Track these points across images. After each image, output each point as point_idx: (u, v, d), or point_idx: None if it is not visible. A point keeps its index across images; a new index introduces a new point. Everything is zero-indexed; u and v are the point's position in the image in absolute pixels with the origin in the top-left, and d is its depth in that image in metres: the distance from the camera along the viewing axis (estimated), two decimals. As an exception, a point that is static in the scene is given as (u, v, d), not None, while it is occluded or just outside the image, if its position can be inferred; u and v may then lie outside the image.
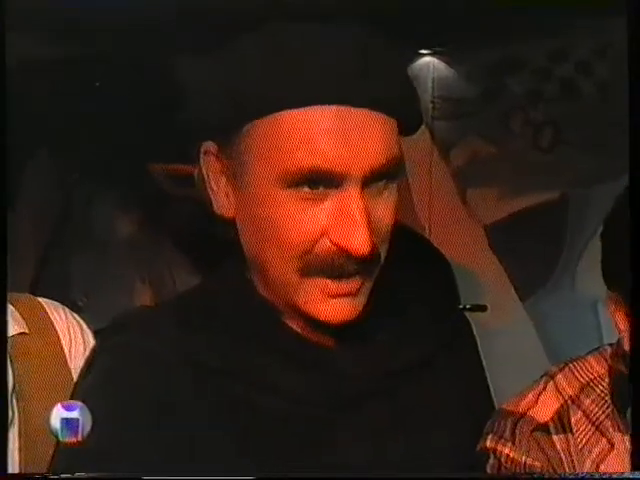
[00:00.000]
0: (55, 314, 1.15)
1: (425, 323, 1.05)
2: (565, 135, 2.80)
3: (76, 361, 1.11)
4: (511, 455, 1.01)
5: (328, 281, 0.88)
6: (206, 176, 0.92)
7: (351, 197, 0.86)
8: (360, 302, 0.91)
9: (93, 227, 2.29)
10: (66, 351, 1.12)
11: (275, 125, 0.86)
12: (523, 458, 1.01)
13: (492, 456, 1.02)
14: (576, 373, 1.04)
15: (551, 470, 0.99)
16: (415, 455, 0.96)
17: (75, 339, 1.14)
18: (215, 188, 0.92)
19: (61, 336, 1.13)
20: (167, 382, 0.90)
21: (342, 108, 0.85)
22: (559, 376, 1.05)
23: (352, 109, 0.85)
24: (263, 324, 0.94)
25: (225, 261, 0.99)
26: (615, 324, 0.99)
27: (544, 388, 1.05)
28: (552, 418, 1.02)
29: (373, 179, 0.87)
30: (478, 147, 2.86)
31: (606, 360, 1.01)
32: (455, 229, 2.79)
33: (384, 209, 0.89)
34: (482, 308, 2.61)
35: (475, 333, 1.14)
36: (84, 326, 1.17)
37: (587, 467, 0.99)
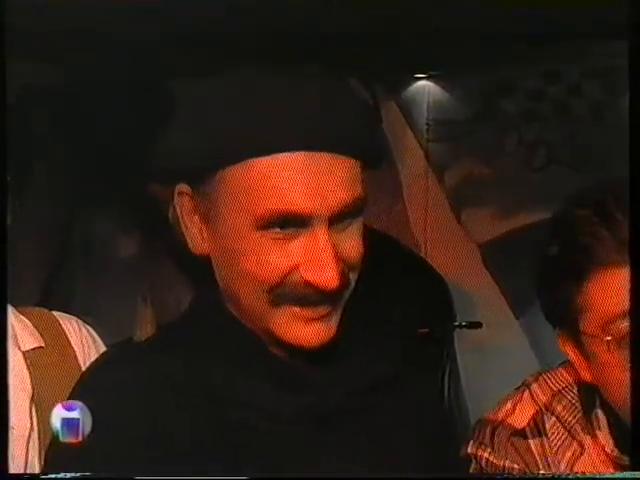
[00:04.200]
0: (69, 326, 1.18)
1: (406, 340, 1.10)
2: (558, 155, 2.85)
3: None
4: (490, 459, 1.06)
5: (297, 308, 0.94)
6: (180, 215, 0.98)
7: (319, 236, 0.91)
8: (332, 325, 0.96)
9: (95, 246, 2.33)
10: (81, 363, 1.16)
11: (246, 172, 0.91)
12: (502, 462, 1.06)
13: (473, 461, 1.08)
14: (549, 382, 1.10)
15: (528, 472, 1.04)
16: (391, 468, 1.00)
17: (89, 351, 1.17)
18: (189, 226, 0.98)
19: (76, 348, 1.16)
20: (158, 413, 0.95)
21: (307, 154, 0.91)
22: (534, 385, 1.11)
23: (317, 154, 0.91)
24: (244, 349, 0.99)
25: (202, 292, 1.04)
26: (567, 356, 1.05)
27: (521, 397, 1.10)
28: (528, 424, 1.08)
29: (339, 218, 0.93)
30: (473, 168, 2.91)
31: (575, 370, 1.07)
32: (451, 248, 2.83)
33: (351, 242, 0.95)
34: (477, 325, 2.64)
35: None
36: (96, 337, 1.20)
37: (562, 468, 1.05)
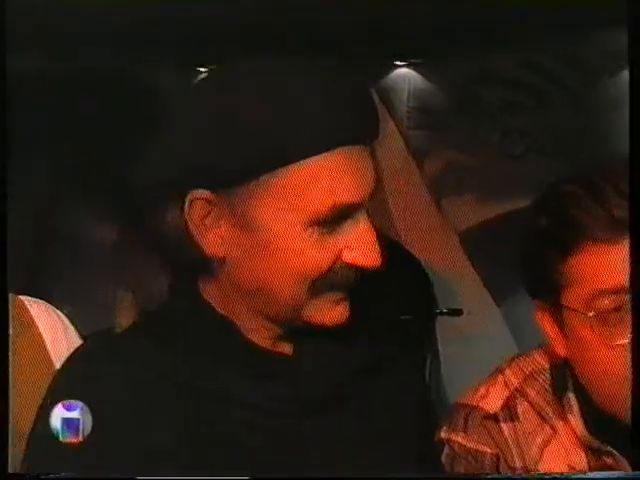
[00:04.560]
0: (37, 311, 1.14)
1: (386, 328, 1.11)
2: (536, 143, 2.88)
3: (60, 359, 1.08)
4: (463, 443, 1.08)
5: (334, 292, 0.97)
6: (193, 220, 0.97)
7: (362, 222, 0.96)
8: (348, 304, 0.99)
9: (78, 235, 2.34)
10: (50, 350, 1.12)
11: (293, 175, 0.93)
12: (474, 445, 1.08)
13: (447, 446, 1.09)
14: (521, 365, 1.12)
15: (500, 455, 1.06)
16: (378, 458, 1.02)
17: (59, 337, 1.14)
18: (203, 231, 0.97)
19: (43, 334, 1.13)
20: (139, 403, 0.96)
21: (343, 149, 0.94)
22: (507, 370, 1.12)
23: (349, 147, 0.95)
24: (224, 340, 1.00)
25: (182, 285, 1.04)
26: (544, 330, 1.06)
27: (494, 382, 1.12)
28: (501, 408, 1.09)
29: (371, 203, 0.97)
30: (452, 156, 2.93)
31: (549, 349, 1.08)
32: (431, 236, 2.85)
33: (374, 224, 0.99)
34: (457, 312, 2.66)
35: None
36: (67, 322, 1.17)
37: (533, 452, 1.07)
